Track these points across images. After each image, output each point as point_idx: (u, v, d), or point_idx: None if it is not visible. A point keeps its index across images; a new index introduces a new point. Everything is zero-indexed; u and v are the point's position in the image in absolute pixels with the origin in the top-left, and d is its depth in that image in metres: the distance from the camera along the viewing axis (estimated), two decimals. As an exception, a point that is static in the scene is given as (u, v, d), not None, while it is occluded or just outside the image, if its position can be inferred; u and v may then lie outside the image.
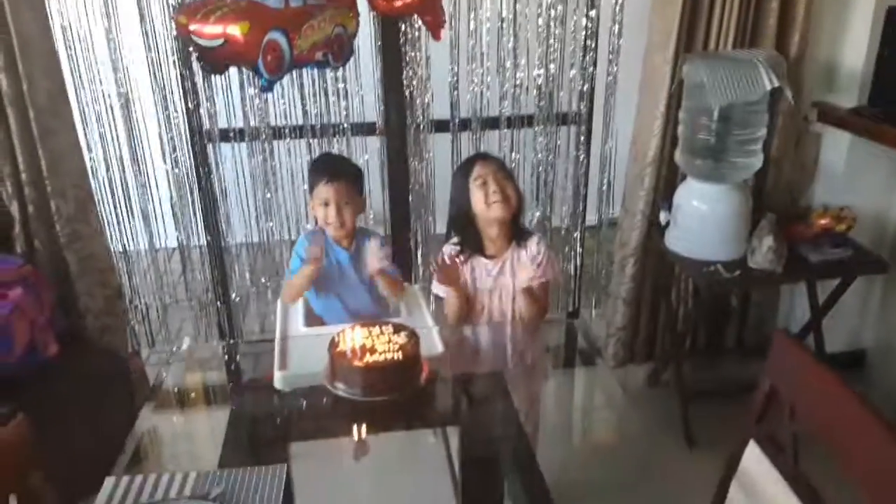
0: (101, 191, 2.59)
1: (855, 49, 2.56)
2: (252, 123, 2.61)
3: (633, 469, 1.61)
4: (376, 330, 1.66)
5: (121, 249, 2.71)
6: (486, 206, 2.00)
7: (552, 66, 2.68)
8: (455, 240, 2.11)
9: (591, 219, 3.01)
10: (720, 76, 2.21)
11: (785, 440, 1.35)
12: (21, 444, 1.31)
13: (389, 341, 1.62)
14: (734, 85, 2.21)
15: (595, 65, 2.69)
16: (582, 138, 2.82)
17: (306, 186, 2.64)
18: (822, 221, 2.47)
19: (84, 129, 2.50)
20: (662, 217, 2.58)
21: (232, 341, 2.72)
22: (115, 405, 2.26)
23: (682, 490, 1.45)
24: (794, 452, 1.34)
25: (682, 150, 2.46)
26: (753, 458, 1.41)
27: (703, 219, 2.40)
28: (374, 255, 2.01)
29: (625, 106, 2.73)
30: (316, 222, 2.13)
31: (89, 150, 2.52)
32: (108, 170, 2.61)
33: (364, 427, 1.65)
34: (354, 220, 2.07)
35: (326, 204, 2.01)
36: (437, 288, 2.11)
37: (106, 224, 2.59)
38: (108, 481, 1.35)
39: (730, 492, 1.43)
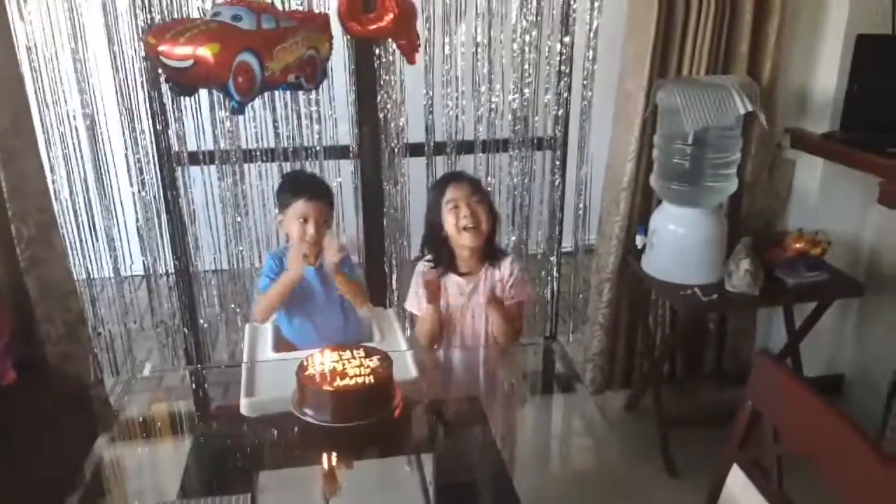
0: (64, 213, 2.52)
1: (826, 75, 2.58)
2: (222, 146, 2.55)
3: (613, 497, 1.56)
4: (347, 354, 1.60)
5: (84, 274, 2.63)
6: (457, 231, 1.99)
7: (527, 90, 2.67)
8: (429, 257, 2.08)
9: (568, 244, 2.99)
10: (694, 101, 2.21)
11: (769, 463, 1.32)
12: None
13: (361, 365, 1.56)
14: (708, 109, 2.20)
15: (570, 90, 2.69)
16: (557, 163, 2.81)
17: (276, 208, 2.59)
18: (798, 245, 2.46)
19: (48, 150, 2.43)
20: (639, 241, 2.57)
21: (199, 366, 2.63)
22: (75, 436, 2.16)
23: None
24: (778, 476, 1.31)
25: (657, 175, 2.45)
26: (737, 483, 1.37)
27: (680, 242, 2.38)
28: (330, 249, 1.98)
29: (600, 131, 2.73)
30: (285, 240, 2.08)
31: (52, 171, 2.44)
32: (71, 192, 2.53)
33: (334, 455, 1.59)
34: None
35: (305, 220, 1.99)
36: (412, 305, 2.08)
37: (69, 248, 2.51)
38: (59, 514, 1.27)
39: (714, 518, 1.39)
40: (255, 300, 2.08)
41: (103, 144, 2.53)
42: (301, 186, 2.05)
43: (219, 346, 2.91)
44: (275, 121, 2.56)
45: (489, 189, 2.74)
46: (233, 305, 2.81)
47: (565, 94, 2.69)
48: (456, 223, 1.97)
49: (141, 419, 1.82)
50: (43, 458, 2.00)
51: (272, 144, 2.59)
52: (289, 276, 1.98)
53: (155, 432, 1.85)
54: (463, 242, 2.00)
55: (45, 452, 2.01)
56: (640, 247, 2.57)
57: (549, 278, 2.97)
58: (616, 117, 2.57)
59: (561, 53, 2.64)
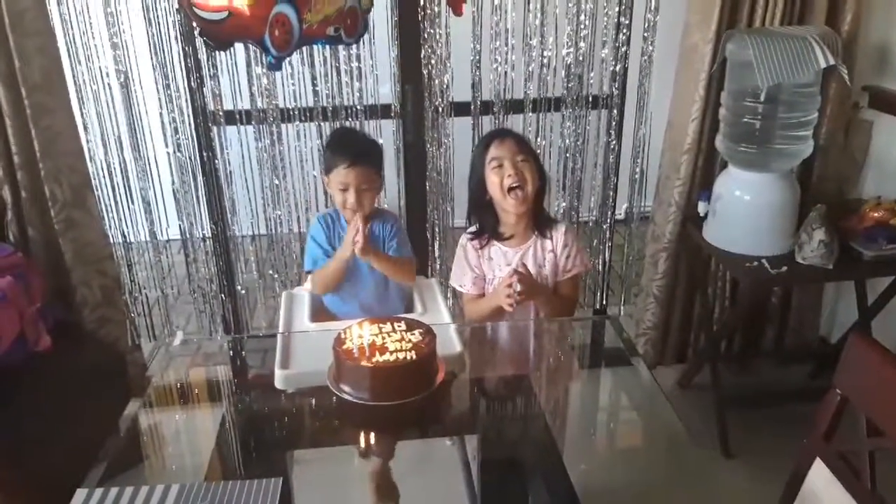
0: (98, 175, 2.45)
1: (912, 28, 2.37)
2: (259, 105, 2.46)
3: (665, 478, 1.46)
4: (387, 327, 1.49)
5: (120, 238, 2.57)
6: (501, 193, 1.86)
7: (582, 44, 2.51)
8: (472, 229, 1.97)
9: (619, 212, 2.83)
10: (769, 54, 2.02)
11: (860, 460, 1.17)
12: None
13: (402, 339, 1.45)
14: (785, 63, 2.01)
15: (629, 43, 2.52)
16: (613, 123, 2.65)
17: (316, 171, 2.50)
18: (876, 214, 2.27)
19: (81, 109, 2.36)
20: (701, 208, 2.42)
21: (236, 335, 2.57)
22: (111, 403, 2.11)
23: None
24: (871, 474, 1.16)
25: (724, 136, 2.28)
26: (821, 480, 1.23)
27: (747, 210, 2.22)
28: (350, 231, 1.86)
29: (660, 88, 2.55)
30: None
31: (86, 130, 2.37)
32: (106, 153, 2.46)
33: (372, 434, 1.50)
34: (373, 204, 1.94)
35: (345, 189, 1.87)
36: (456, 281, 1.98)
37: (104, 210, 2.45)
38: (80, 494, 1.19)
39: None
40: (307, 268, 1.98)
41: (137, 103, 2.45)
42: (344, 149, 1.91)
43: (257, 312, 2.84)
44: (313, 78, 2.45)
45: (538, 151, 2.58)
46: (271, 271, 2.74)
47: (624, 48, 2.52)
48: (500, 183, 1.84)
49: (177, 385, 1.77)
50: (77, 425, 1.95)
51: (311, 103, 2.49)
52: (343, 255, 1.88)
53: (190, 398, 1.78)
54: (507, 207, 1.87)
55: (80, 419, 1.97)
56: (701, 214, 2.42)
57: (601, 247, 2.82)
58: (679, 73, 2.40)
59: (620, 3, 2.47)
